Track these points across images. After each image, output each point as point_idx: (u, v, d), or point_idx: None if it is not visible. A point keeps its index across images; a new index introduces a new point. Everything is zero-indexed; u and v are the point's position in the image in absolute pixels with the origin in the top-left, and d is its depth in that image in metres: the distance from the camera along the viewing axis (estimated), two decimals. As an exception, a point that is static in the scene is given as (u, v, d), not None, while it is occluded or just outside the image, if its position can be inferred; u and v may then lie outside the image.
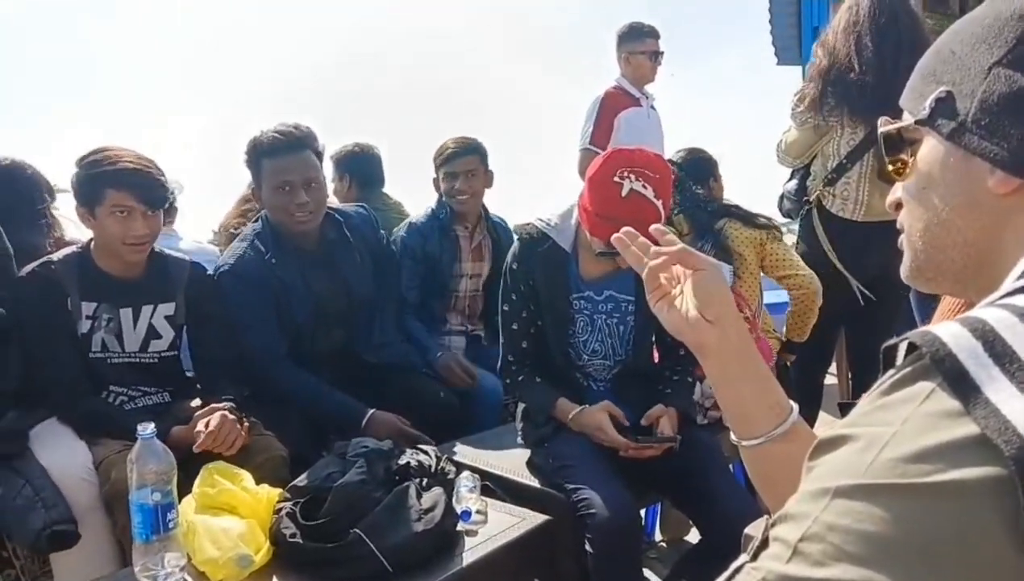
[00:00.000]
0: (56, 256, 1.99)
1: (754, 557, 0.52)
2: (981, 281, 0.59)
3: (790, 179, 2.90)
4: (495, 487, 1.87)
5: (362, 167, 3.35)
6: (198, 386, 2.13)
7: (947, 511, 0.43)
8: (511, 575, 1.57)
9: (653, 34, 3.87)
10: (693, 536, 2.60)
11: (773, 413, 0.83)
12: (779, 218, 2.88)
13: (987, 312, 0.48)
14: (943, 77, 0.63)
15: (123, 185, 1.89)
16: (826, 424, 2.39)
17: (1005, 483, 0.42)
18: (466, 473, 1.72)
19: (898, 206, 0.70)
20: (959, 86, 0.61)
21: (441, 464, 1.70)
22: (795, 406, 0.86)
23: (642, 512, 2.50)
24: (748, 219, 2.59)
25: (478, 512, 1.62)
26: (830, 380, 3.17)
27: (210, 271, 2.25)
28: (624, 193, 1.76)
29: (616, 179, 1.77)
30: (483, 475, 1.83)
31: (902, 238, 0.70)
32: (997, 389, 0.44)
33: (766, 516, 0.54)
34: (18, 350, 1.92)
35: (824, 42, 2.60)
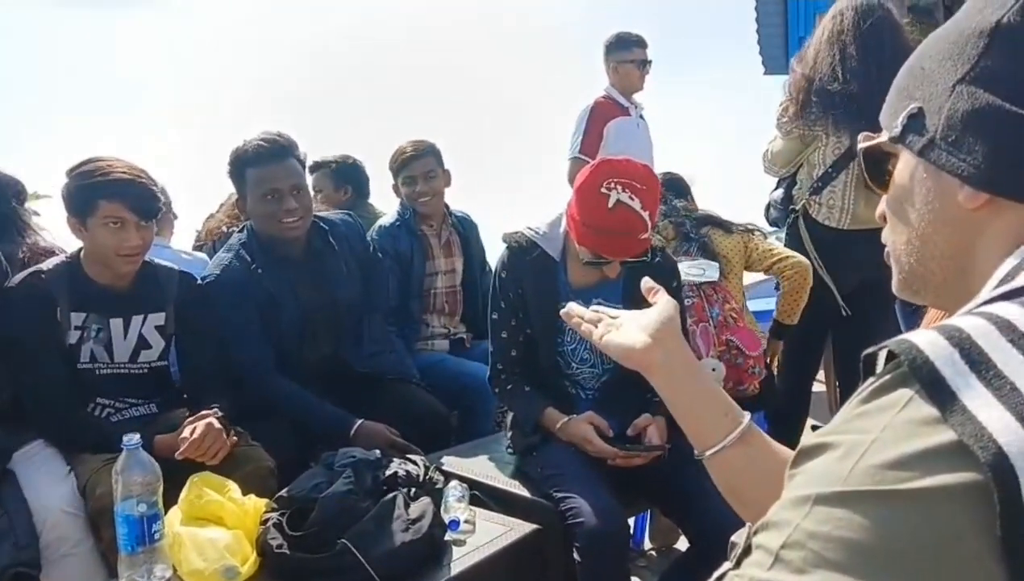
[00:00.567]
0: (45, 266, 1.97)
1: (737, 564, 0.53)
2: (960, 293, 0.60)
3: (776, 188, 2.92)
4: (484, 496, 1.86)
5: (359, 178, 3.53)
6: (185, 396, 2.11)
7: (925, 518, 0.43)
8: (499, 584, 1.57)
9: (640, 43, 3.91)
10: (682, 544, 2.60)
11: (727, 419, 0.86)
12: (766, 227, 2.92)
13: (963, 320, 0.49)
14: (915, 94, 0.64)
15: (116, 196, 1.88)
16: (813, 431, 2.41)
17: (982, 489, 0.42)
18: (454, 482, 1.72)
19: (885, 218, 0.71)
20: (929, 103, 0.62)
21: (429, 474, 1.70)
22: (746, 413, 0.89)
23: (631, 520, 2.51)
24: (728, 227, 2.69)
25: (466, 521, 1.62)
26: (819, 388, 3.19)
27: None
28: (611, 204, 1.77)
29: (603, 190, 1.78)
30: (472, 484, 1.82)
31: (888, 253, 0.71)
32: (973, 396, 0.45)
33: (749, 523, 0.55)
34: (5, 364, 1.91)
35: (803, 55, 2.63)
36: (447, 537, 1.56)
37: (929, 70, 0.63)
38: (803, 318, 2.65)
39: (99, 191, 1.87)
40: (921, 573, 0.43)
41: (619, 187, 1.77)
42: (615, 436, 1.91)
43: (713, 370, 2.31)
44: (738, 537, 0.62)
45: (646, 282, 1.01)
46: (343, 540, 1.40)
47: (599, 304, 2.01)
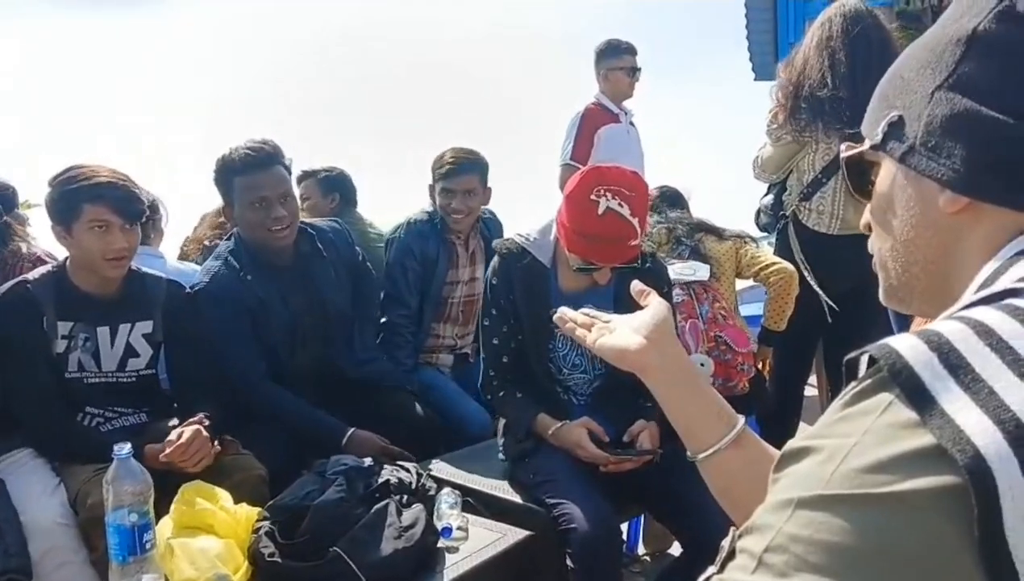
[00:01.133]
0: (31, 275, 1.97)
1: (721, 568, 0.53)
2: (945, 299, 0.61)
3: (766, 194, 2.94)
4: (476, 503, 1.86)
5: (347, 186, 3.57)
6: (175, 405, 2.11)
7: (904, 521, 0.44)
8: (492, 591, 1.57)
9: (631, 51, 3.94)
10: (676, 549, 2.60)
11: (722, 422, 0.86)
12: (756, 233, 2.94)
13: (943, 325, 0.49)
14: (895, 102, 0.65)
15: (99, 199, 1.88)
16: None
17: (960, 492, 0.43)
18: (447, 489, 1.72)
19: (870, 228, 0.72)
20: (909, 110, 0.63)
21: (422, 481, 1.70)
22: (740, 417, 0.89)
23: (625, 525, 2.51)
24: (720, 233, 2.72)
25: (459, 528, 1.62)
26: (811, 392, 3.20)
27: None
28: (600, 211, 1.78)
29: (593, 197, 1.79)
30: (464, 491, 1.83)
31: (875, 262, 0.71)
32: (951, 400, 0.45)
33: (733, 527, 0.55)
34: None
35: (791, 62, 2.64)
36: (440, 544, 1.56)
37: (909, 78, 0.64)
38: (794, 323, 2.66)
39: (83, 195, 1.88)
40: (901, 576, 0.44)
41: (608, 194, 1.78)
42: (608, 442, 1.92)
43: (702, 366, 2.32)
44: (726, 541, 0.62)
45: (635, 285, 1.01)
46: (335, 548, 1.40)
47: (590, 309, 2.04)
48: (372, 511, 1.50)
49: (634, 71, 3.92)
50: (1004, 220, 0.58)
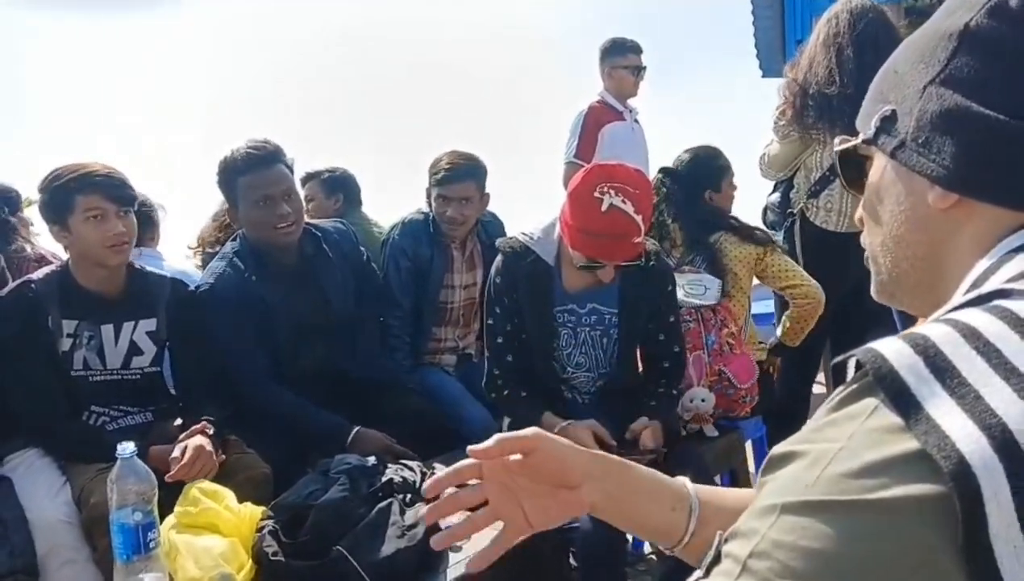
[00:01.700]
0: (36, 275, 1.99)
1: (707, 572, 0.52)
2: (935, 297, 0.60)
3: (773, 191, 2.93)
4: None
5: (350, 186, 3.57)
6: (180, 404, 2.11)
7: (888, 527, 0.43)
8: (496, 591, 1.57)
9: (635, 49, 3.94)
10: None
11: (680, 508, 0.82)
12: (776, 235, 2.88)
13: (930, 328, 0.49)
14: (889, 96, 0.64)
15: (91, 188, 1.90)
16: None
17: (944, 499, 0.42)
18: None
19: (864, 222, 0.71)
20: (901, 105, 0.62)
21: (425, 480, 1.70)
22: (686, 481, 0.84)
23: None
24: (746, 234, 2.58)
25: (462, 527, 1.62)
26: (819, 389, 3.19)
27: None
28: (604, 208, 1.78)
29: (596, 194, 1.78)
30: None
31: (867, 256, 0.70)
32: (937, 404, 0.44)
33: (719, 531, 0.55)
34: None
35: (798, 59, 2.63)
36: (443, 543, 1.56)
37: (902, 72, 0.63)
38: None
39: (74, 188, 1.90)
40: None
41: (612, 191, 1.78)
42: (612, 445, 1.91)
43: (703, 400, 2.27)
44: (712, 545, 0.61)
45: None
46: (338, 547, 1.40)
47: (594, 308, 2.05)
48: (375, 510, 1.50)
49: (639, 69, 3.92)
50: (995, 217, 0.57)
